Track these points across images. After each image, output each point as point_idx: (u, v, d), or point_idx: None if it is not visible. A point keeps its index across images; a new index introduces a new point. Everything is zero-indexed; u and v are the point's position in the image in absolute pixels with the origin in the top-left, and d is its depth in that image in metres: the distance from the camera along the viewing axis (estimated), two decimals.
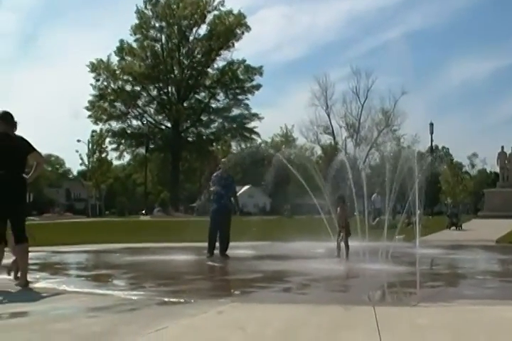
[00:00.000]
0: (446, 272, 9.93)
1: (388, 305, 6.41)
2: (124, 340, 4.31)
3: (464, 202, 64.56)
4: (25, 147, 7.10)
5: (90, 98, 71.25)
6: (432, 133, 51.47)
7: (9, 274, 7.74)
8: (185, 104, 73.65)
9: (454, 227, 23.94)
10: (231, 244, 12.31)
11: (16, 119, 7.20)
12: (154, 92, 74.57)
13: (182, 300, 6.22)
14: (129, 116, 74.06)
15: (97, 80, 71.70)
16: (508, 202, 35.94)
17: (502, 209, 34.23)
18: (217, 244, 12.12)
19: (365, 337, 4.44)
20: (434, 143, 61.49)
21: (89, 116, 70.76)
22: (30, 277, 7.38)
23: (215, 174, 12.77)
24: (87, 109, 71.18)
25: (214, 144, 73.53)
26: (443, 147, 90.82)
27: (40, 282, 7.92)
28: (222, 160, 13.91)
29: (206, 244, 12.18)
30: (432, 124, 50.84)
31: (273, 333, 4.64)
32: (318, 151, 74.58)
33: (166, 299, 6.32)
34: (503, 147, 40.85)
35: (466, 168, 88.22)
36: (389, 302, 7.02)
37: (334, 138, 73.33)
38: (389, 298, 7.56)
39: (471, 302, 6.24)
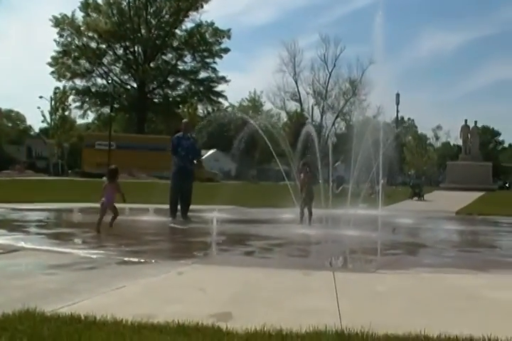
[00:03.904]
0: (406, 241, 10.07)
1: (348, 271, 6.46)
2: (81, 298, 4.25)
3: (427, 173, 65.60)
4: None
5: (53, 54, 69.51)
6: (398, 103, 51.77)
7: None
8: (151, 65, 72.44)
9: (416, 198, 24.33)
10: (195, 207, 12.24)
11: None
12: (120, 51, 73.11)
13: (142, 261, 6.18)
14: (93, 75, 72.65)
15: (61, 36, 69.93)
16: (469, 174, 36.59)
17: (463, 182, 34.86)
18: (179, 207, 12.04)
19: (323, 301, 4.47)
20: (400, 114, 61.97)
21: (52, 73, 69.15)
22: None
23: (176, 135, 12.50)
24: (50, 65, 69.48)
25: (180, 106, 72.74)
26: (408, 118, 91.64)
27: None
28: (184, 120, 13.47)
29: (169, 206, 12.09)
30: (398, 95, 51.09)
31: (232, 295, 4.64)
32: (285, 118, 74.66)
33: (127, 259, 6.27)
34: (466, 120, 41.37)
35: (430, 140, 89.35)
36: (349, 268, 7.09)
37: (301, 105, 73.39)
38: (349, 264, 7.64)
39: (429, 270, 6.34)
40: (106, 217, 9.25)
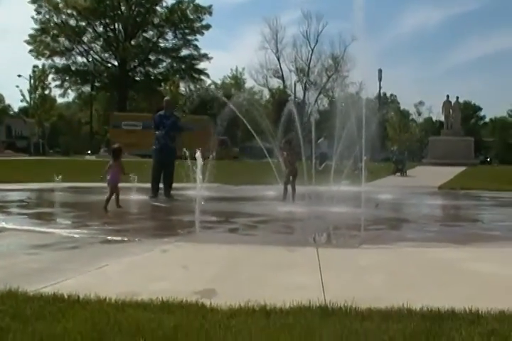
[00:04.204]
0: (389, 216, 10.15)
1: (331, 247, 6.51)
2: (64, 277, 4.23)
3: (409, 149, 65.89)
4: None
5: (31, 32, 68.26)
6: (380, 79, 51.78)
7: None
8: (132, 42, 71.42)
9: (399, 173, 24.45)
10: (179, 185, 12.18)
11: None
12: (100, 29, 71.89)
13: (126, 239, 6.17)
14: (73, 53, 71.39)
15: (39, 13, 68.40)
16: (451, 150, 36.83)
17: (445, 157, 35.10)
18: (162, 185, 11.97)
19: (306, 276, 4.50)
20: (382, 91, 62.07)
21: (31, 51, 67.90)
22: None
23: (157, 113, 12.39)
24: (28, 42, 68.14)
25: (162, 84, 72.11)
26: (391, 94, 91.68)
27: None
28: (165, 98, 13.27)
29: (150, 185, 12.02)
30: (380, 71, 51.04)
31: (216, 272, 4.65)
32: (267, 95, 74.35)
33: (110, 238, 6.25)
34: (448, 96, 41.46)
35: (412, 116, 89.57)
36: (332, 244, 7.13)
37: (284, 82, 73.01)
38: (332, 240, 7.68)
39: (411, 245, 6.41)
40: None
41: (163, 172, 11.98)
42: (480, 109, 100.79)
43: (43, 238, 6.22)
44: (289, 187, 11.49)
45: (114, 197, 9.44)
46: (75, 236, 6.38)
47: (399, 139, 62.38)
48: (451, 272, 4.78)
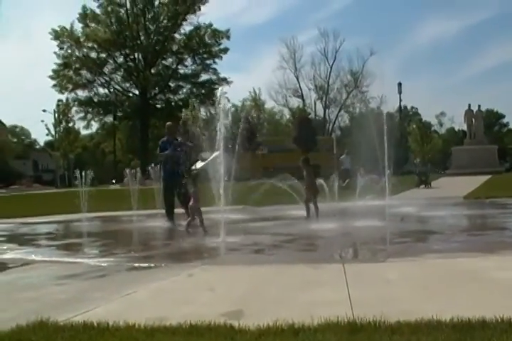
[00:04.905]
0: (415, 228, 10.05)
1: (358, 262, 6.47)
2: (93, 306, 4.27)
3: (432, 160, 65.34)
4: None
5: (54, 67, 69.71)
6: (400, 93, 51.74)
7: None
8: (152, 71, 72.47)
9: (423, 185, 24.23)
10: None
11: None
12: (121, 59, 73.17)
13: (152, 265, 6.20)
14: (95, 84, 72.76)
15: (61, 48, 70.07)
16: (474, 159, 36.46)
17: (469, 166, 34.71)
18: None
19: (333, 292, 4.49)
20: (402, 103, 61.90)
21: (54, 86, 69.31)
22: None
23: (161, 140, 12.01)
24: (52, 78, 69.63)
25: (183, 110, 72.80)
26: (412, 107, 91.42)
27: (8, 253, 7.83)
28: (167, 124, 12.63)
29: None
30: (400, 84, 51.05)
31: (242, 293, 4.66)
32: (288, 114, 74.62)
33: (137, 264, 6.29)
34: (469, 105, 41.20)
35: (434, 127, 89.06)
36: (358, 259, 7.09)
37: (303, 101, 73.33)
38: (359, 255, 7.64)
39: (438, 256, 6.33)
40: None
41: (178, 197, 11.49)
42: (503, 116, 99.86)
43: (71, 268, 6.29)
44: (312, 204, 11.48)
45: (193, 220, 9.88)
46: (103, 264, 6.45)
47: (421, 151, 61.93)
48: (479, 281, 4.73)
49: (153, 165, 14.50)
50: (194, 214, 9.81)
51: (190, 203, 9.85)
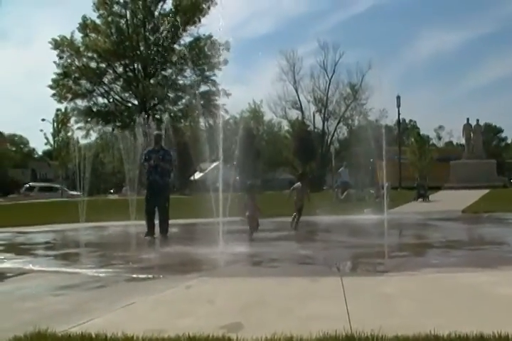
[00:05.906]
0: (413, 242, 10.07)
1: (356, 276, 6.47)
2: (91, 317, 4.27)
3: (430, 174, 65.38)
4: None
5: (54, 76, 69.85)
6: (399, 106, 51.69)
7: None
8: (152, 81, 72.63)
9: (421, 199, 24.21)
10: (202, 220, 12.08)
11: None
12: (120, 69, 73.19)
13: (150, 276, 6.20)
14: (94, 94, 72.68)
15: (61, 58, 70.01)
16: (473, 173, 36.49)
17: (467, 180, 34.73)
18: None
19: (331, 305, 4.48)
20: (401, 117, 61.95)
21: (53, 95, 69.36)
22: None
23: (146, 149, 11.76)
24: (51, 87, 69.67)
25: (182, 121, 72.91)
26: (410, 120, 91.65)
27: (6, 262, 7.81)
28: (154, 132, 12.30)
29: (175, 221, 11.86)
30: (399, 97, 51.07)
31: (241, 305, 4.65)
32: (286, 126, 74.73)
33: (135, 275, 6.29)
34: (468, 119, 41.26)
35: (433, 141, 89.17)
36: (356, 272, 7.09)
37: (302, 113, 73.33)
38: (357, 268, 7.63)
39: (437, 270, 6.34)
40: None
41: (157, 210, 11.24)
42: (501, 130, 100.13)
43: (70, 278, 6.28)
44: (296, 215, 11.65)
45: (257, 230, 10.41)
46: (101, 275, 6.44)
47: (420, 165, 61.95)
48: (477, 296, 4.73)
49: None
50: (253, 223, 10.27)
51: (247, 213, 10.23)
